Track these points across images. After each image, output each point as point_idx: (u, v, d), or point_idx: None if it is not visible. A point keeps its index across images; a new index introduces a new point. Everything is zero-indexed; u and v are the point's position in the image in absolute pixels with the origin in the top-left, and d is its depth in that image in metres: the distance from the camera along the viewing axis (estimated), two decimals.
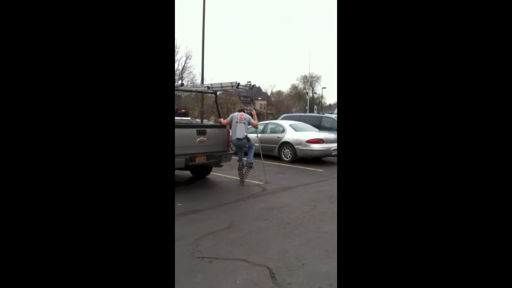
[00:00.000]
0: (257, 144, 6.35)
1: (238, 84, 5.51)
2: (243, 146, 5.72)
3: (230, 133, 5.72)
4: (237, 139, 5.61)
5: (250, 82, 5.74)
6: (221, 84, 5.80)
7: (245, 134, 5.63)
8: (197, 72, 31.73)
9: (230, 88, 5.85)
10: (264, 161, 6.07)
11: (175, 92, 6.41)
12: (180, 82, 6.52)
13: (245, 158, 5.80)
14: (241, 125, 5.62)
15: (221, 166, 5.79)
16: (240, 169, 5.74)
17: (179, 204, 4.24)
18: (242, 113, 5.84)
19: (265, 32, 72.43)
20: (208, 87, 6.02)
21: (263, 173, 5.91)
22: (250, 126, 5.83)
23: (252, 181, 5.58)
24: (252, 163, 5.65)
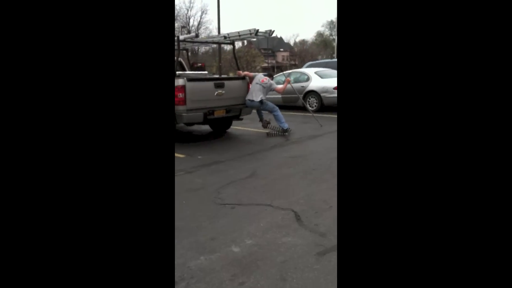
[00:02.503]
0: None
1: (257, 31, 5.03)
2: (256, 107, 5.36)
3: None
4: (250, 100, 5.23)
5: (270, 29, 5.23)
6: (238, 32, 5.33)
7: (261, 98, 5.22)
8: (213, 27, 30.23)
9: (249, 36, 5.37)
10: (289, 112, 5.73)
11: (191, 45, 6.09)
12: (194, 34, 6.12)
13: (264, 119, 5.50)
14: (259, 87, 5.24)
15: (241, 119, 5.57)
16: (265, 126, 5.46)
17: (199, 157, 4.16)
18: (267, 78, 5.44)
19: None
20: (225, 37, 5.58)
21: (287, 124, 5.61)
22: (272, 91, 5.43)
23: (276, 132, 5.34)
24: (287, 129, 5.26)
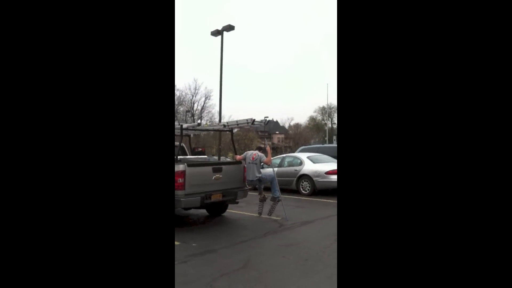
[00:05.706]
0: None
1: (254, 120, 5.63)
2: (255, 185, 5.83)
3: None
4: (249, 180, 5.75)
5: (267, 117, 5.87)
6: (236, 121, 5.94)
7: (257, 175, 5.70)
8: (215, 111, 32.94)
9: (246, 125, 5.97)
10: (282, 195, 5.99)
11: (194, 132, 6.64)
12: (198, 122, 6.70)
13: (266, 192, 5.76)
14: (252, 166, 5.73)
15: (237, 202, 5.76)
16: (261, 201, 5.79)
17: (193, 244, 4.21)
18: (255, 151, 5.96)
19: (281, 66, 75.02)
20: (224, 125, 6.16)
21: (281, 208, 5.81)
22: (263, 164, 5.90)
23: (269, 216, 5.48)
24: (277, 197, 5.61)
